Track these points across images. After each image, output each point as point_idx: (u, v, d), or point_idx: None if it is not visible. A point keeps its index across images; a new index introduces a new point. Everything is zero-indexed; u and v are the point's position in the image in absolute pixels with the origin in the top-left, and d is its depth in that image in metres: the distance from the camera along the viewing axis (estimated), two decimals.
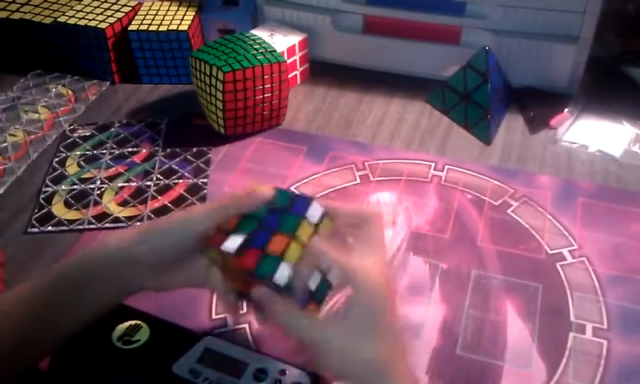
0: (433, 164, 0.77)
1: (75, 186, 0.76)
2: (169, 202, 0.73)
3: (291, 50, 0.90)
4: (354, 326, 0.43)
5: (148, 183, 0.76)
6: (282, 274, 0.44)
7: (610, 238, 0.67)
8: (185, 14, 0.94)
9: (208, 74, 0.77)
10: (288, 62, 0.87)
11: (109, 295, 0.49)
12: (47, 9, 0.97)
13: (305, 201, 0.48)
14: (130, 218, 0.71)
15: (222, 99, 0.77)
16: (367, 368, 0.43)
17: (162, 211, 0.72)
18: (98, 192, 0.75)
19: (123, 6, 0.96)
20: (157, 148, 0.82)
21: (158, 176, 0.77)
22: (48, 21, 0.94)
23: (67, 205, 0.73)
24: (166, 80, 0.95)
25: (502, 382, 0.54)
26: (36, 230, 0.70)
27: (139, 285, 0.50)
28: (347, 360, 0.43)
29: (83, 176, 0.78)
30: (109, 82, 0.95)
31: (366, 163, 0.78)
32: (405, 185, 0.74)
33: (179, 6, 0.97)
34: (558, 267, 0.64)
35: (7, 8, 0.98)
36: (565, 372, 0.54)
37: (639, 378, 0.54)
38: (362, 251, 0.46)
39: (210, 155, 0.80)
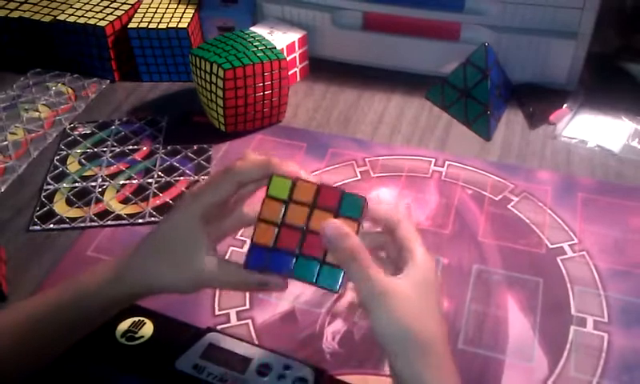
0: (433, 160, 0.78)
1: (76, 184, 0.76)
2: (170, 199, 0.73)
3: (291, 47, 0.90)
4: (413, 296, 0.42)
5: (149, 180, 0.76)
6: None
7: (610, 232, 0.67)
8: (184, 12, 0.94)
9: (208, 71, 0.78)
10: (288, 59, 0.87)
11: (120, 301, 0.49)
12: (47, 7, 0.97)
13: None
14: (131, 216, 0.71)
15: (222, 96, 0.77)
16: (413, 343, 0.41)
17: (163, 208, 0.72)
18: (100, 190, 0.75)
19: (123, 3, 0.96)
20: (157, 145, 0.82)
21: (159, 173, 0.77)
22: (47, 19, 0.94)
23: (69, 202, 0.73)
24: (165, 78, 0.95)
25: (503, 376, 0.54)
26: (38, 227, 0.70)
27: (148, 289, 0.49)
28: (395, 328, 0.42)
29: (84, 174, 0.78)
30: (109, 80, 0.95)
31: (367, 159, 0.78)
32: (405, 181, 0.75)
33: (179, 4, 0.97)
34: (559, 261, 0.64)
35: (6, 6, 0.98)
36: (566, 365, 0.55)
37: None
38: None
39: (210, 152, 0.80)
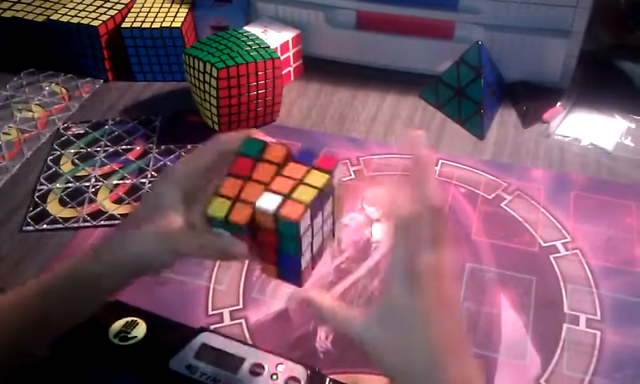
0: None
1: (70, 184, 0.76)
2: None
3: (284, 47, 0.90)
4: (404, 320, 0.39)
5: (143, 180, 0.76)
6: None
7: (603, 230, 0.67)
8: (178, 11, 0.94)
9: (202, 70, 0.77)
10: (281, 58, 0.87)
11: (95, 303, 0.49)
12: (40, 7, 0.97)
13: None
14: (125, 216, 0.71)
15: (215, 96, 0.77)
16: (421, 368, 0.38)
17: None
18: (93, 190, 0.75)
19: (116, 3, 0.96)
20: (151, 145, 0.82)
21: (153, 173, 0.77)
22: (41, 19, 0.94)
23: (62, 203, 0.73)
24: (159, 77, 0.95)
25: (497, 374, 0.54)
26: (31, 228, 0.70)
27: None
28: (398, 358, 0.39)
29: (78, 174, 0.78)
30: (102, 80, 0.95)
31: (361, 159, 0.78)
32: (399, 180, 0.75)
33: (172, 3, 0.96)
34: (552, 260, 0.64)
35: None
36: (559, 363, 0.55)
37: (632, 368, 0.54)
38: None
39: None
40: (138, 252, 0.46)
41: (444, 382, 0.38)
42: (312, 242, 0.45)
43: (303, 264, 0.45)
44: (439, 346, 0.38)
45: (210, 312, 0.60)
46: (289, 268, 0.46)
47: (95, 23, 0.90)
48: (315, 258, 0.47)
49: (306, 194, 0.43)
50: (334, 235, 0.49)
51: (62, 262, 0.48)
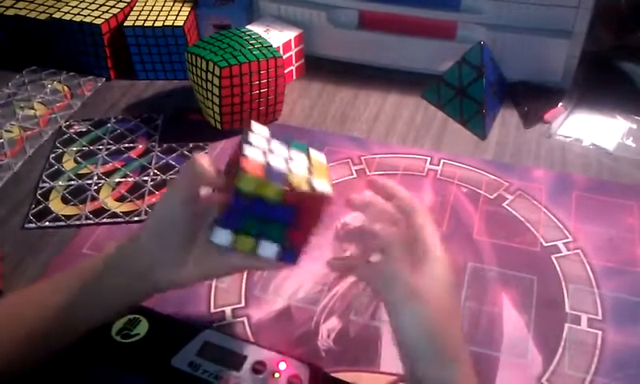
0: (428, 158, 0.78)
1: (72, 182, 0.76)
2: None
3: (287, 46, 0.90)
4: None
5: (145, 178, 0.76)
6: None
7: (605, 230, 0.67)
8: (180, 10, 0.94)
9: (204, 69, 0.78)
10: (284, 57, 0.87)
11: (124, 294, 0.49)
12: (42, 5, 0.97)
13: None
14: (127, 213, 0.71)
15: (218, 94, 0.77)
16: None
17: None
18: (95, 187, 0.75)
19: (119, 1, 0.96)
20: (153, 143, 0.82)
21: (155, 171, 0.77)
22: (43, 17, 0.94)
23: (64, 200, 0.73)
24: (161, 75, 0.95)
25: (498, 373, 0.54)
26: (33, 225, 0.70)
27: (153, 282, 0.49)
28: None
29: (80, 172, 0.78)
30: (104, 78, 0.95)
31: (362, 158, 0.78)
32: (401, 179, 0.75)
33: (174, 2, 0.97)
34: (553, 259, 0.65)
35: (2, 4, 0.98)
36: (560, 362, 0.55)
37: (633, 368, 0.54)
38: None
39: (206, 150, 0.80)
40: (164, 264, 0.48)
41: (467, 357, 0.42)
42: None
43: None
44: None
45: (213, 310, 0.60)
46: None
47: (98, 21, 0.90)
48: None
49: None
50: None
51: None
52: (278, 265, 0.49)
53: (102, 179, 0.76)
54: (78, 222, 0.70)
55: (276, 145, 0.49)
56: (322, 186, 0.47)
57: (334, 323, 0.59)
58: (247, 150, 0.46)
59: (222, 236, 0.46)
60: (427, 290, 0.42)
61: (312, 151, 0.51)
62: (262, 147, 0.48)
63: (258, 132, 0.50)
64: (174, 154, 0.80)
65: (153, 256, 0.48)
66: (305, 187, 0.46)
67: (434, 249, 0.44)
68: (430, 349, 0.41)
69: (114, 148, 0.81)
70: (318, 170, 0.49)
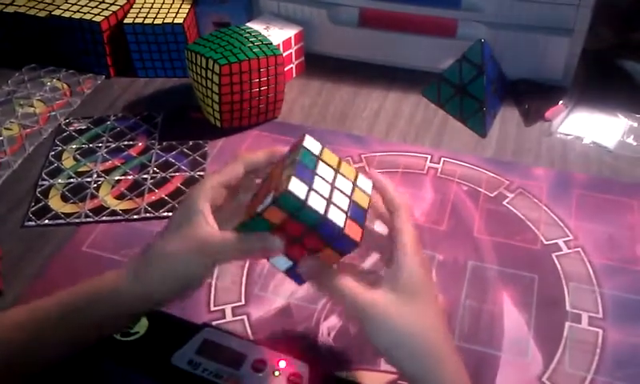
0: (429, 156, 0.78)
1: (72, 180, 0.76)
2: (165, 195, 0.73)
3: (287, 43, 0.90)
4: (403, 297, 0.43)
5: (144, 176, 0.76)
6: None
7: (605, 228, 0.67)
8: (180, 7, 0.94)
9: (204, 66, 0.77)
10: (284, 55, 0.87)
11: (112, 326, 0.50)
12: (42, 2, 0.97)
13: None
14: (127, 211, 0.71)
15: (218, 92, 0.77)
16: (417, 347, 0.43)
17: (158, 204, 0.72)
18: (95, 185, 0.75)
19: None
20: (153, 141, 0.82)
21: (155, 169, 0.77)
22: (42, 14, 0.94)
23: (64, 198, 0.73)
24: (161, 73, 0.95)
25: (499, 372, 0.54)
26: (33, 223, 0.70)
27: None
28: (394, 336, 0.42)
29: (79, 169, 0.77)
30: (104, 76, 0.95)
31: (363, 156, 0.78)
32: (401, 177, 0.75)
33: None
34: (554, 258, 0.64)
35: (1, 2, 0.97)
36: (561, 361, 0.55)
37: (634, 366, 0.54)
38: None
39: (206, 148, 0.80)
40: (181, 272, 0.46)
41: (447, 348, 0.44)
42: (331, 199, 0.44)
43: (339, 222, 0.43)
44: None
45: (212, 308, 0.60)
46: (331, 234, 0.43)
47: (97, 19, 0.90)
48: (354, 217, 0.44)
49: (287, 170, 0.43)
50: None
51: (97, 278, 0.47)
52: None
53: (102, 177, 0.76)
54: (77, 220, 0.70)
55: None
56: (354, 231, 0.43)
57: (334, 321, 0.59)
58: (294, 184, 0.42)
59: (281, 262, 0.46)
60: (385, 297, 0.43)
61: (360, 178, 0.49)
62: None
63: (310, 148, 0.47)
64: (174, 152, 0.80)
65: (155, 301, 0.47)
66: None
67: (402, 253, 0.44)
68: (429, 375, 0.43)
69: (113, 146, 0.81)
70: (358, 204, 0.46)
